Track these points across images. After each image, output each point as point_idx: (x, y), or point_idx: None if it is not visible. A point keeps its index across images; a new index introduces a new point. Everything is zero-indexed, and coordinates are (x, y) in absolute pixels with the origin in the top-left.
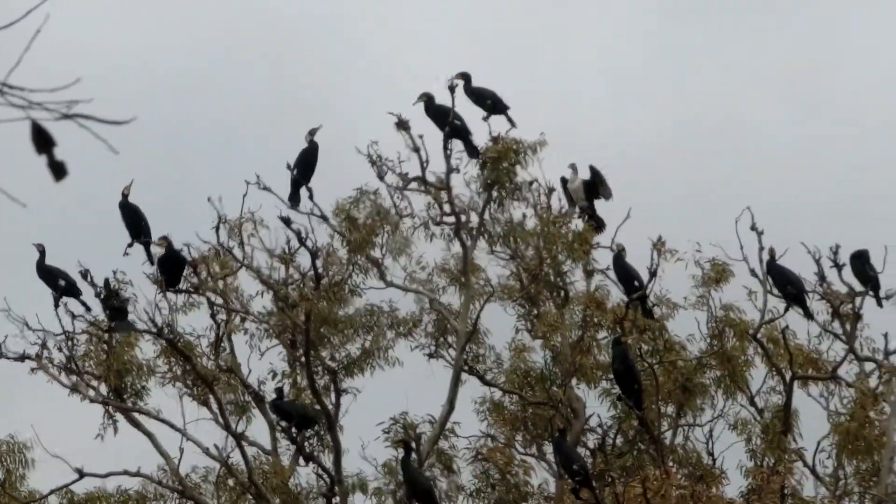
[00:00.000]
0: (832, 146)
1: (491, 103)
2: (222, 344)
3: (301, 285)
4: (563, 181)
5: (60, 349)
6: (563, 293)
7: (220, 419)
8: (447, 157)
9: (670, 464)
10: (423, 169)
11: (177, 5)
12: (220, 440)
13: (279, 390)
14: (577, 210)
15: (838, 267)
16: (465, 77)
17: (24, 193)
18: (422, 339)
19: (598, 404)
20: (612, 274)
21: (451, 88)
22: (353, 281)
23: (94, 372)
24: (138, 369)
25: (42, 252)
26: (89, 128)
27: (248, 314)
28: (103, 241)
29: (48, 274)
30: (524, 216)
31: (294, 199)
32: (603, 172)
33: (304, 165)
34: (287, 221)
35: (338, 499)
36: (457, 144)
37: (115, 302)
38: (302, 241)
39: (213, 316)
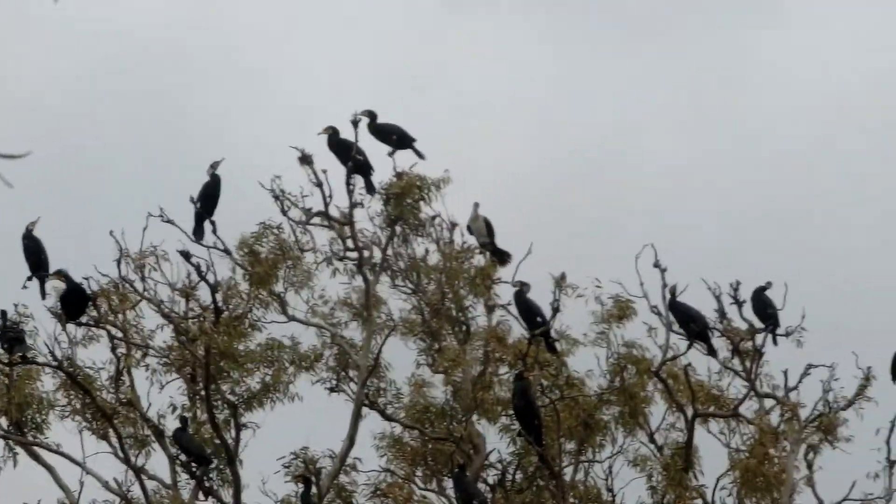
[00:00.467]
0: (735, 173)
1: (396, 138)
2: (122, 377)
3: (202, 319)
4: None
5: None
6: (464, 328)
7: (120, 453)
8: (350, 192)
9: (570, 500)
10: (326, 204)
11: (73, 37)
12: (119, 474)
13: (183, 420)
14: (479, 246)
15: (738, 303)
16: (371, 115)
17: None
18: (323, 374)
19: (498, 440)
20: (513, 309)
21: (355, 123)
22: (254, 315)
23: None
24: (38, 403)
25: None
26: None
27: (148, 348)
28: (2, 274)
29: None
30: (427, 251)
31: (198, 233)
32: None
33: (207, 199)
34: (187, 255)
35: None
36: (359, 179)
37: (11, 333)
38: (201, 275)
39: (113, 349)
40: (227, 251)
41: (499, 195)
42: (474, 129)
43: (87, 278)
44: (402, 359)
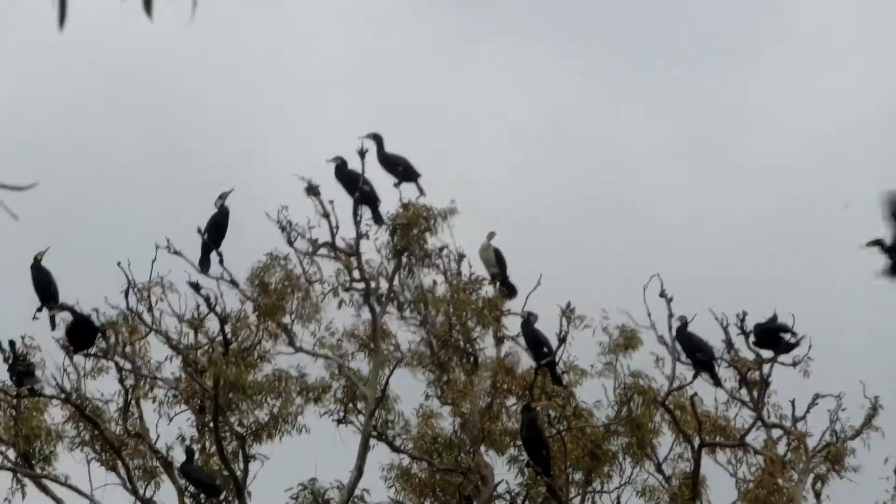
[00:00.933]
0: (734, 217)
1: (402, 170)
2: (131, 409)
3: (210, 350)
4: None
5: None
6: (472, 359)
7: (129, 484)
8: (357, 223)
9: None
10: (333, 235)
11: (80, 67)
12: None
13: (189, 451)
14: (489, 277)
15: (745, 334)
16: (378, 139)
17: None
18: (331, 405)
19: (506, 471)
20: (521, 340)
21: (362, 154)
22: (263, 346)
23: (2, 437)
24: (47, 434)
25: None
26: None
27: (156, 379)
28: (11, 306)
29: None
30: (434, 282)
31: (205, 264)
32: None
33: (215, 230)
34: (196, 287)
35: None
36: (366, 210)
37: (20, 367)
38: (210, 307)
39: (121, 381)
40: (234, 282)
41: (508, 224)
42: (483, 162)
43: (95, 310)
44: (410, 390)
